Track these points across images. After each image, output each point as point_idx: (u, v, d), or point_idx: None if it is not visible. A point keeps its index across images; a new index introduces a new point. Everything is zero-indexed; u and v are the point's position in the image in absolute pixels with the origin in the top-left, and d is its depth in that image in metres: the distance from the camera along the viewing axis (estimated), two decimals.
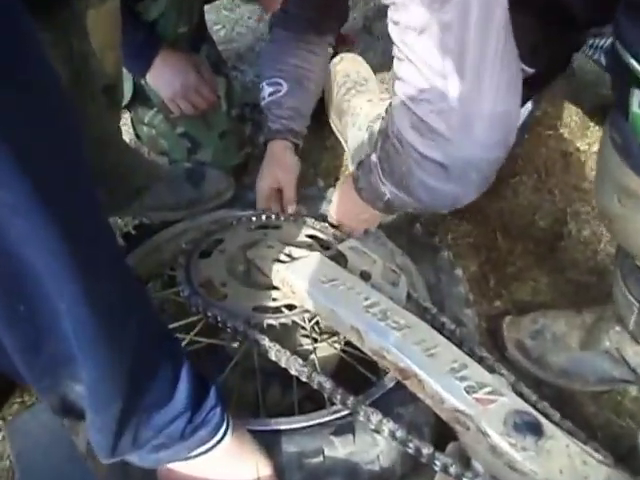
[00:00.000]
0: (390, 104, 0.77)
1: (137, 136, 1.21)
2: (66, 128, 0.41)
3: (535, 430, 0.57)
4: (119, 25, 0.75)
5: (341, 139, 1.27)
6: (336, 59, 1.28)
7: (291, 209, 1.02)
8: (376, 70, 1.36)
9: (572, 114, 1.37)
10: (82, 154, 0.43)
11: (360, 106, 1.16)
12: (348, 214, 0.95)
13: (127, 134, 1.31)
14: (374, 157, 0.82)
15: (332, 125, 1.29)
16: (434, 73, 0.64)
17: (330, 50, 1.25)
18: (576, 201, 1.18)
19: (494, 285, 1.04)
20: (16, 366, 0.44)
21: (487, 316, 0.99)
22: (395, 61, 0.70)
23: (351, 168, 1.08)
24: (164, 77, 1.10)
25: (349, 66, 1.27)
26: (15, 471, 0.78)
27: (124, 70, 1.12)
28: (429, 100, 0.66)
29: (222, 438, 0.55)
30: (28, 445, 0.75)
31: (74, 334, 0.42)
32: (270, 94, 1.13)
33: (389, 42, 0.70)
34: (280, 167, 1.07)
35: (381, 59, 1.52)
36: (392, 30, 0.67)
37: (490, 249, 1.10)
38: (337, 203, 0.96)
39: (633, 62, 0.56)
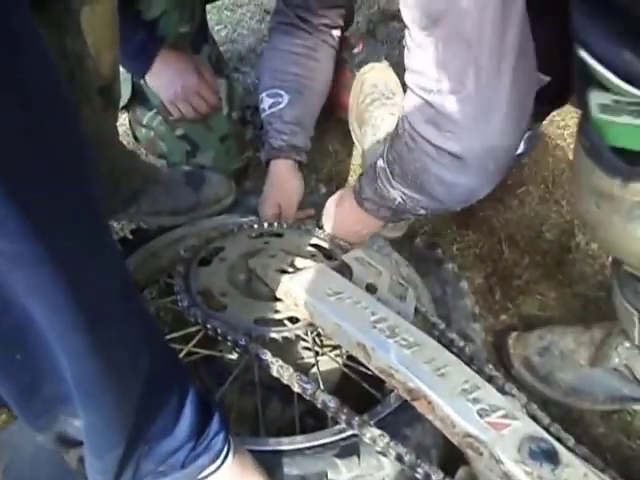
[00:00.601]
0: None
1: (135, 137, 1.18)
2: (75, 164, 0.37)
3: (551, 458, 0.54)
4: (116, 24, 0.71)
5: (359, 147, 1.23)
6: (367, 67, 1.23)
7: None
8: None
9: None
10: (91, 191, 0.38)
11: (382, 117, 1.12)
12: (345, 229, 0.92)
13: (125, 135, 1.29)
14: (381, 162, 0.80)
15: (352, 132, 1.26)
16: (450, 62, 0.62)
17: (333, 53, 1.22)
18: None
19: (500, 298, 1.02)
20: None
21: (493, 331, 0.96)
22: (406, 52, 0.68)
23: None
24: (164, 78, 1.07)
25: (378, 76, 1.22)
26: None
27: (122, 70, 1.10)
28: (444, 90, 0.64)
29: (223, 462, 0.52)
30: (15, 459, 0.72)
31: (75, 386, 0.39)
32: (270, 106, 1.09)
33: (393, 47, 0.68)
34: (281, 191, 1.04)
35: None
36: (406, 16, 0.65)
37: (496, 261, 1.08)
38: (333, 218, 0.93)
39: (590, 60, 0.54)
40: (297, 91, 1.10)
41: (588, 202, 0.65)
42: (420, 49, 0.65)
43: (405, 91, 0.74)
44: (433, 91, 0.66)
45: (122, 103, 1.12)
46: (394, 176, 0.77)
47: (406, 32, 0.67)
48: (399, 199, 0.79)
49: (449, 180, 0.71)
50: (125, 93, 1.12)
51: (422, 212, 0.82)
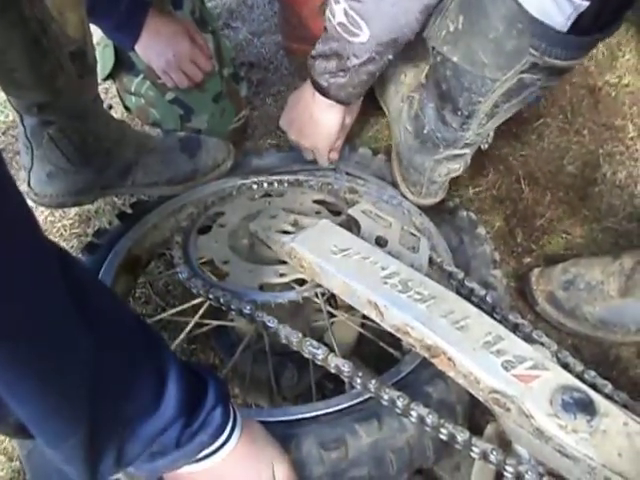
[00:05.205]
0: None
1: (125, 107, 1.13)
2: None
3: (586, 408, 0.49)
4: None
5: (383, 107, 1.12)
6: None
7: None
8: None
9: (598, 44, 1.24)
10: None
11: (405, 72, 1.04)
12: (298, 122, 0.91)
13: (118, 107, 1.24)
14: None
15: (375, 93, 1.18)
16: None
17: None
18: (608, 141, 1.08)
19: (522, 240, 0.96)
20: None
21: (517, 275, 0.91)
22: None
23: (396, 139, 0.98)
24: (155, 47, 1.01)
25: None
26: (26, 471, 0.74)
27: (104, 36, 1.04)
28: None
29: (228, 438, 0.49)
30: (38, 445, 0.71)
31: None
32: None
33: None
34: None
35: None
36: None
37: (516, 201, 1.01)
38: (288, 108, 0.93)
39: None
40: None
41: None
42: None
43: None
44: None
45: (107, 71, 1.07)
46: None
47: None
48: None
49: None
50: (109, 61, 1.06)
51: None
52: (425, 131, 0.84)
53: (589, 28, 0.65)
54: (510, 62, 0.69)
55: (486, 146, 0.89)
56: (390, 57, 0.80)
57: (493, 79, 0.71)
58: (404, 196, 0.91)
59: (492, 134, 0.89)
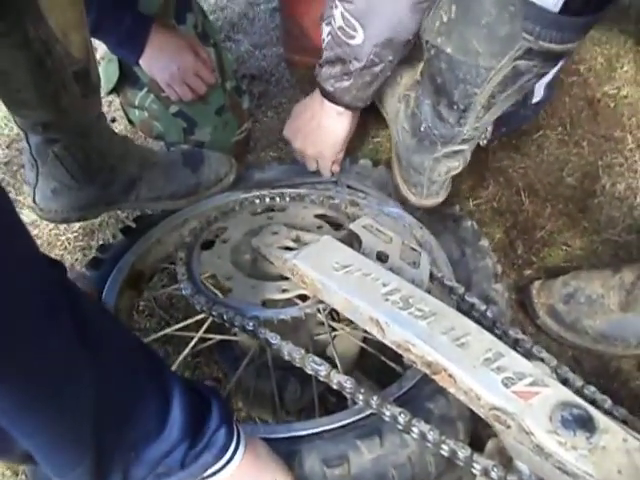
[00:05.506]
0: None
1: (129, 121, 1.14)
2: None
3: (586, 425, 0.50)
4: (80, 2, 0.67)
5: (381, 110, 1.12)
6: None
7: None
8: None
9: (597, 55, 1.25)
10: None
11: (400, 74, 1.04)
12: (304, 131, 0.92)
13: (121, 120, 1.25)
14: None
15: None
16: None
17: None
18: (607, 152, 1.08)
19: (522, 252, 0.96)
20: None
21: (517, 288, 0.91)
22: None
23: (394, 139, 0.99)
24: (159, 61, 1.02)
25: None
26: None
27: (107, 51, 1.06)
28: None
29: (232, 457, 0.49)
30: None
31: None
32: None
33: None
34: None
35: None
36: None
37: (516, 213, 1.02)
38: (293, 118, 0.94)
39: None
40: None
41: None
42: None
43: None
44: None
45: (111, 85, 1.08)
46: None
47: None
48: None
49: None
50: (113, 75, 1.07)
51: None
52: (422, 129, 0.84)
53: (582, 8, 0.64)
54: (504, 48, 0.68)
55: (485, 142, 0.89)
56: (391, 59, 0.81)
57: (488, 68, 0.70)
58: (404, 206, 0.91)
59: (490, 129, 0.88)
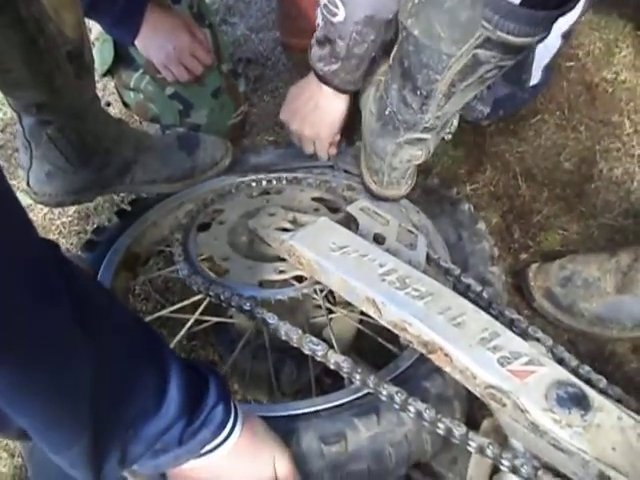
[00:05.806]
0: None
1: (124, 103, 1.13)
2: None
3: (581, 403, 0.50)
4: None
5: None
6: None
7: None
8: None
9: (595, 40, 1.24)
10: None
11: (379, 64, 1.04)
12: (302, 112, 0.91)
13: (115, 103, 1.24)
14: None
15: None
16: None
17: None
18: (605, 137, 1.08)
19: (519, 237, 0.97)
20: None
21: (513, 271, 0.92)
22: None
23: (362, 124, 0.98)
24: (155, 41, 1.01)
25: None
26: (27, 467, 0.75)
27: (102, 31, 1.04)
28: None
29: (229, 434, 0.50)
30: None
31: None
32: None
33: None
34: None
35: None
36: None
37: (513, 197, 1.02)
38: (289, 100, 0.93)
39: None
40: None
41: None
42: None
43: None
44: None
45: (106, 67, 1.07)
46: None
47: None
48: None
49: None
50: (108, 56, 1.06)
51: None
52: (387, 112, 0.83)
53: (543, 2, 0.62)
54: (464, 35, 0.67)
55: (449, 136, 0.89)
56: (373, 38, 0.80)
57: (449, 54, 0.70)
58: (369, 189, 0.89)
59: (455, 123, 0.88)
